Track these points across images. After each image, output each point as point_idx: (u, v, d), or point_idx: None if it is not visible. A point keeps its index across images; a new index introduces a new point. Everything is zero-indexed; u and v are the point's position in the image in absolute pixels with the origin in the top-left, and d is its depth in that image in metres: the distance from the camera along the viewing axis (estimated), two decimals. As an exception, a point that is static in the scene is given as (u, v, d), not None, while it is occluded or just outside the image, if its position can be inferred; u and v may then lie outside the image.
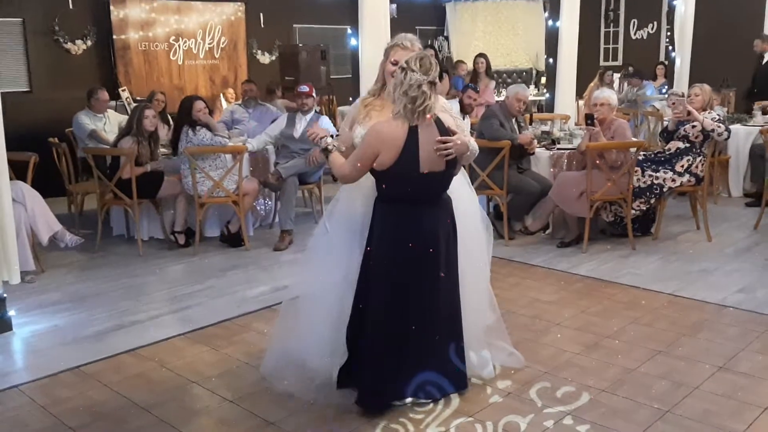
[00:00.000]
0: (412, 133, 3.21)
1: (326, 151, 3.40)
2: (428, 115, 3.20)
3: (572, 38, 8.11)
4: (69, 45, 9.20)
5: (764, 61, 9.83)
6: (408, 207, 3.30)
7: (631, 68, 11.19)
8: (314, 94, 6.61)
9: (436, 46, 13.18)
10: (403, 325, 3.34)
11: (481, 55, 9.57)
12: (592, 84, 10.56)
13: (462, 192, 3.64)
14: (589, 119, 5.89)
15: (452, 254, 3.42)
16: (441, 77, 8.29)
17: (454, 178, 3.46)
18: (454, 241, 3.43)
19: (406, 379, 3.38)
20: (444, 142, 3.20)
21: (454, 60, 12.17)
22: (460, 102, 7.10)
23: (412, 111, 3.18)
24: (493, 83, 9.46)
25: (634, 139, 6.28)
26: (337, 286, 3.48)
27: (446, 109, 3.50)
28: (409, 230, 3.29)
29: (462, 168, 3.64)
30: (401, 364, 3.35)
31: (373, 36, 6.01)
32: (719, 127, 5.94)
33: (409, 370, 3.37)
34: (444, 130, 3.26)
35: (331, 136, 3.48)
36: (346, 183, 3.42)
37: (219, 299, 5.06)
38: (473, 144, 3.42)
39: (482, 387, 3.59)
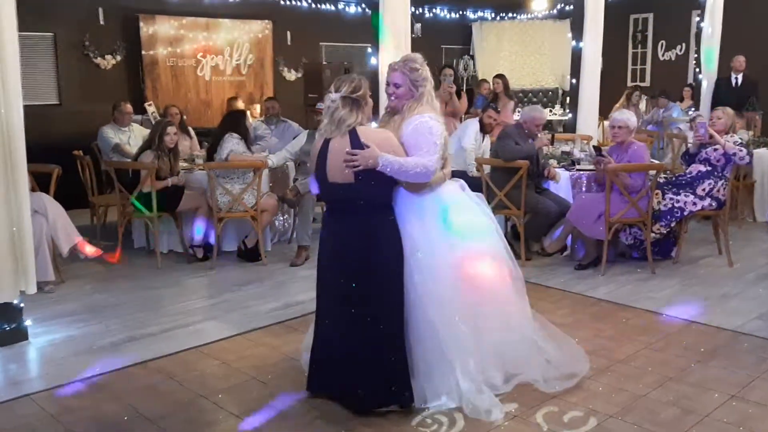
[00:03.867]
0: (325, 144, 3.47)
1: None
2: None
3: (596, 59, 8.08)
4: (99, 60, 9.41)
5: (739, 82, 9.73)
6: (329, 213, 3.66)
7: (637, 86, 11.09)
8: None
9: (461, 65, 13.24)
10: (330, 323, 3.57)
11: (498, 75, 9.56)
12: (618, 104, 10.49)
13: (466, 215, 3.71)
14: (597, 151, 5.89)
15: (372, 270, 3.45)
16: (459, 95, 8.32)
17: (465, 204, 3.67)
18: (375, 257, 3.45)
19: (338, 377, 3.56)
20: (352, 154, 3.35)
21: (479, 79, 12.21)
22: (480, 121, 7.10)
23: (330, 123, 3.45)
24: (512, 103, 9.43)
25: (653, 161, 6.22)
26: None
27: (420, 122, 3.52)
28: (326, 234, 3.63)
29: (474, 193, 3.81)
30: (331, 361, 3.57)
31: (392, 54, 6.05)
32: (741, 150, 5.86)
33: (338, 369, 3.55)
34: (357, 143, 3.37)
35: None
36: None
37: (232, 313, 5.09)
38: (422, 163, 3.41)
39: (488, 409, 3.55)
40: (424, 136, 3.49)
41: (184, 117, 8.31)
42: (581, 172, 6.47)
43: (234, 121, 6.54)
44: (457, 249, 3.61)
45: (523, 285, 3.91)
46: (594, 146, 6.07)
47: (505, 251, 3.83)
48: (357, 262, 3.47)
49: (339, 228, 3.55)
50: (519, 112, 10.45)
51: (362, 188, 3.42)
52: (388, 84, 3.65)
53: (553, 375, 3.82)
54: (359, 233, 3.47)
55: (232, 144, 6.22)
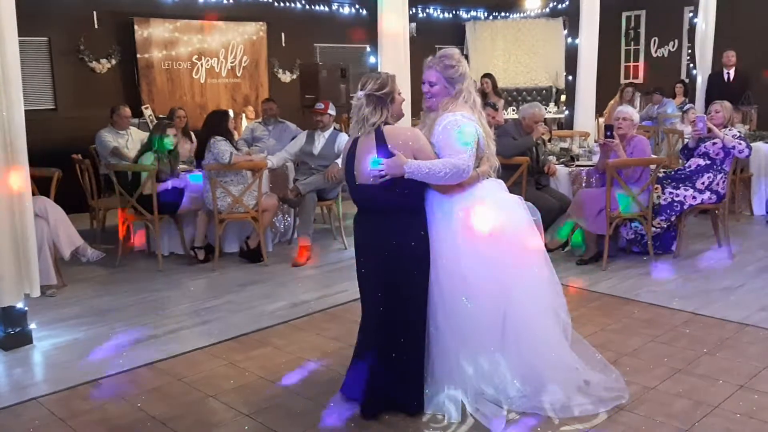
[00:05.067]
0: (353, 144, 3.43)
1: None
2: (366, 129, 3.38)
3: (591, 55, 8.12)
4: (94, 64, 9.38)
5: (731, 77, 9.78)
6: (359, 213, 3.57)
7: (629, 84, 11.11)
8: (330, 112, 6.65)
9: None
10: (364, 323, 3.59)
11: (486, 75, 9.56)
12: (612, 101, 10.53)
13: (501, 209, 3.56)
14: (608, 131, 5.83)
15: (398, 271, 3.40)
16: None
17: (507, 198, 3.61)
18: (400, 257, 3.39)
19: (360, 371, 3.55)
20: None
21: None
22: (479, 119, 7.10)
23: (356, 122, 3.42)
24: (501, 102, 9.44)
25: (654, 156, 6.25)
26: None
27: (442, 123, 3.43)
28: (357, 234, 3.57)
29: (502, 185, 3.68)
30: (360, 359, 3.58)
31: (391, 54, 6.07)
32: (740, 144, 5.89)
33: (364, 366, 3.52)
34: (382, 144, 3.32)
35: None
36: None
37: (237, 314, 5.08)
38: (451, 163, 3.29)
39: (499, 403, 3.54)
40: (453, 134, 3.37)
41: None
42: (580, 168, 6.49)
43: (215, 123, 6.37)
44: (483, 253, 3.44)
45: (561, 291, 3.65)
46: (607, 125, 5.97)
47: (543, 258, 3.60)
48: (383, 263, 3.42)
49: (368, 228, 3.49)
50: (514, 110, 10.54)
51: (389, 191, 3.36)
52: (423, 82, 3.53)
53: (589, 399, 3.49)
54: (386, 234, 3.41)
55: (224, 146, 6.16)
